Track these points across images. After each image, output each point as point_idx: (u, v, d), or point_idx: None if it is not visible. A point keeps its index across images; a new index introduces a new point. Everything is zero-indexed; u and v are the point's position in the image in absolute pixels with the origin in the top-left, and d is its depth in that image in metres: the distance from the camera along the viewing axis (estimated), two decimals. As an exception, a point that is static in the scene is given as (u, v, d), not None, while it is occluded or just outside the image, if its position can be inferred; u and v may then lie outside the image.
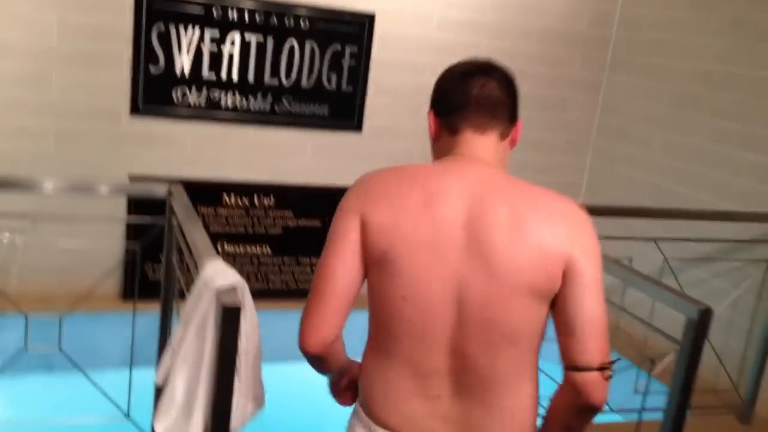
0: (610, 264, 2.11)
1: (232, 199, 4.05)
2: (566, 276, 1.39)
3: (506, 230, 1.38)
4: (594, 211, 3.97)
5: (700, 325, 1.76)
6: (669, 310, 1.97)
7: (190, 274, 2.27)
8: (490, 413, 1.46)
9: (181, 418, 1.66)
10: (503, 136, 1.51)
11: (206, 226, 4.05)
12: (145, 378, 2.52)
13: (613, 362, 1.41)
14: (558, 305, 1.42)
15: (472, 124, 1.49)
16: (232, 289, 1.59)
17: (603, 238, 1.38)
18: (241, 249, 4.11)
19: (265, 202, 4.11)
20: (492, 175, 1.46)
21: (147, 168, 3.82)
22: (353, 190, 1.51)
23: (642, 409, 2.42)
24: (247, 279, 4.50)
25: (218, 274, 1.63)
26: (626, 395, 2.74)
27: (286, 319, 4.56)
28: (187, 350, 1.65)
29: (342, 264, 1.46)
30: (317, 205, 4.22)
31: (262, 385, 1.79)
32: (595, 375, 1.39)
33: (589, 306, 1.39)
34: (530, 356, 1.48)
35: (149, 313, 2.58)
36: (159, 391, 1.78)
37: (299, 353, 1.52)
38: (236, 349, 1.55)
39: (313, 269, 4.25)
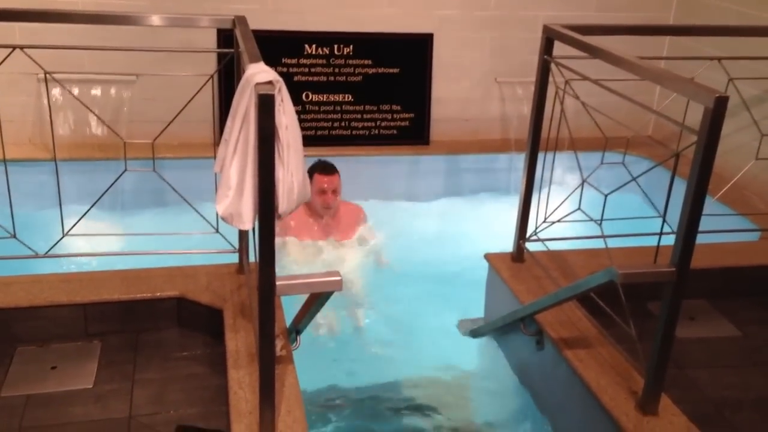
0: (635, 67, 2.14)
1: (314, 50, 4.25)
2: None
3: None
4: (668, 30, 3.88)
5: (716, 113, 1.79)
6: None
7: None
8: None
9: (235, 198, 1.94)
10: None
11: (291, 76, 4.29)
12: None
13: None
14: None
15: None
16: (269, 83, 1.80)
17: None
18: (325, 98, 4.34)
19: (345, 50, 4.28)
20: None
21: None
22: None
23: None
24: (332, 126, 4.74)
25: (259, 73, 1.84)
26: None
27: (370, 163, 4.81)
28: (236, 140, 1.90)
29: None
30: (394, 53, 4.34)
31: (306, 176, 2.04)
32: None
33: None
34: None
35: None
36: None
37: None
38: (274, 134, 1.77)
39: (394, 116, 4.46)
